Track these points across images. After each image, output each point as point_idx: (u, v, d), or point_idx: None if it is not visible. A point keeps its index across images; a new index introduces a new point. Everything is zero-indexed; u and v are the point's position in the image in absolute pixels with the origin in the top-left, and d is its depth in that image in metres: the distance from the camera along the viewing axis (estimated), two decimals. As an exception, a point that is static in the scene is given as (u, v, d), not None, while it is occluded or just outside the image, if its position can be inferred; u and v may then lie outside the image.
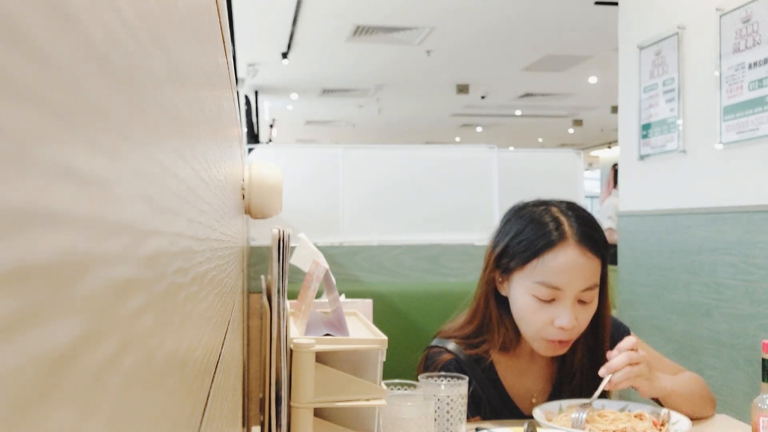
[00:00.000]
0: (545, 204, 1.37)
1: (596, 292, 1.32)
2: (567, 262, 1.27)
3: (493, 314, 1.37)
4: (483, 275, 1.40)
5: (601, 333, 1.39)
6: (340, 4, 5.39)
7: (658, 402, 1.32)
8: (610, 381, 1.23)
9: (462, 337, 1.39)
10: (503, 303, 1.37)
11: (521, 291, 1.31)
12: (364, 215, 2.29)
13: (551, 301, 1.28)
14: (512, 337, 1.36)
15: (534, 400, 1.39)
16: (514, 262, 1.32)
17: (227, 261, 0.73)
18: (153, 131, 0.24)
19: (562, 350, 1.33)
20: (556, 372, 1.42)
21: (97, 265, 0.16)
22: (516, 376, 1.40)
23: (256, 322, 1.59)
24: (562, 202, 1.37)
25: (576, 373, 1.39)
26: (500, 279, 1.36)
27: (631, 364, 1.22)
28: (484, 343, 1.38)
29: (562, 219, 1.31)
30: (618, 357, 1.23)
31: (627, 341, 1.26)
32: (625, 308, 2.80)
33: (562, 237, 1.28)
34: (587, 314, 1.31)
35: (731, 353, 2.23)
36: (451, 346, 1.38)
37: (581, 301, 1.30)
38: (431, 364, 1.37)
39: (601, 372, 1.24)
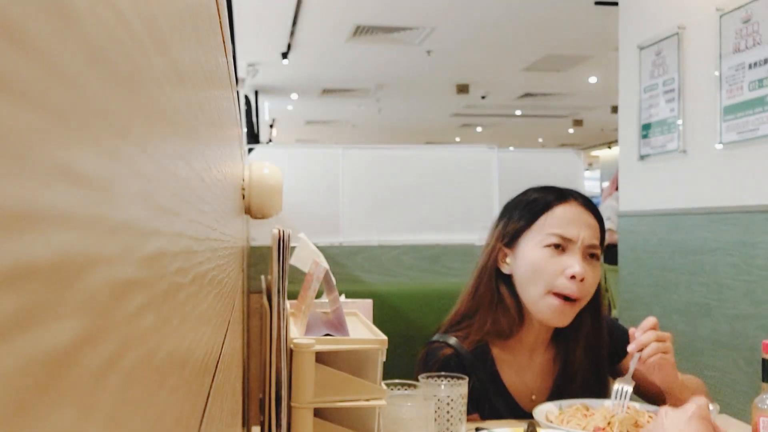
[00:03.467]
0: (545, 185, 1.45)
1: (599, 256, 1.37)
2: (575, 214, 1.35)
3: (490, 291, 1.39)
4: (484, 253, 1.43)
5: (600, 328, 1.40)
6: (340, 4, 5.39)
7: (658, 401, 1.33)
8: (640, 358, 1.24)
9: (457, 320, 1.40)
10: (504, 281, 1.39)
11: (530, 248, 1.35)
12: (364, 215, 2.29)
13: (561, 253, 1.32)
14: (513, 318, 1.37)
15: (534, 398, 1.39)
16: (522, 222, 1.37)
17: (227, 261, 0.73)
18: (153, 131, 0.24)
19: (568, 317, 1.33)
20: (557, 370, 1.42)
21: (97, 265, 0.16)
22: (516, 372, 1.40)
23: (256, 322, 1.59)
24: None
25: (577, 372, 1.40)
26: (503, 254, 1.39)
27: (658, 341, 1.24)
28: (479, 326, 1.37)
29: (564, 190, 1.40)
30: (646, 333, 1.25)
31: (649, 321, 1.28)
32: (625, 308, 2.80)
33: (567, 196, 1.38)
34: (595, 273, 1.35)
35: (731, 353, 2.23)
36: (452, 340, 1.38)
37: (589, 257, 1.34)
38: (432, 359, 1.37)
39: (630, 348, 1.25)
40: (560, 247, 1.32)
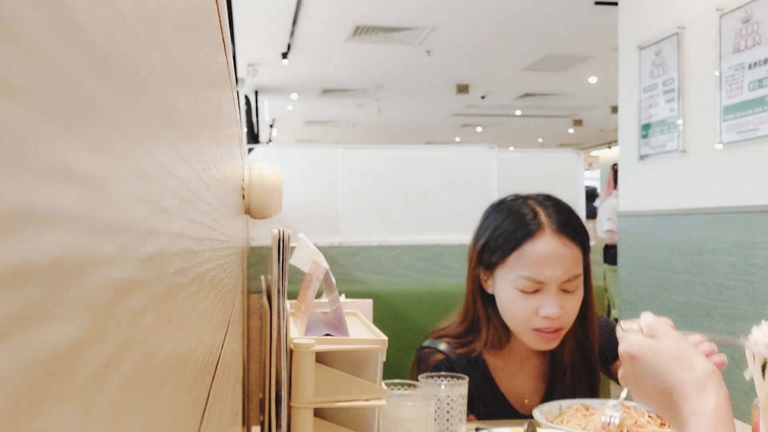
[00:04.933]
0: (522, 197, 1.39)
1: (580, 281, 1.32)
2: (546, 252, 1.28)
3: (480, 312, 1.38)
4: (468, 273, 1.41)
5: (589, 326, 1.39)
6: (340, 4, 5.39)
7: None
8: None
9: (453, 336, 1.40)
10: (491, 301, 1.38)
11: (505, 284, 1.32)
12: (364, 215, 2.29)
13: (535, 292, 1.29)
14: (502, 335, 1.37)
15: (526, 401, 1.39)
16: (496, 256, 1.33)
17: (227, 261, 0.73)
18: (153, 131, 0.24)
19: (554, 342, 1.33)
20: (548, 370, 1.42)
21: (97, 265, 0.16)
22: (508, 375, 1.40)
23: (256, 322, 1.59)
24: (539, 195, 1.39)
25: (567, 369, 1.39)
26: (484, 276, 1.37)
27: None
28: (474, 341, 1.38)
29: (539, 209, 1.33)
30: None
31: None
32: (625, 308, 2.80)
33: (538, 227, 1.30)
34: (574, 302, 1.32)
35: (731, 353, 2.23)
36: (443, 346, 1.38)
37: (566, 291, 1.30)
38: (423, 364, 1.37)
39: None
40: (532, 286, 1.28)
